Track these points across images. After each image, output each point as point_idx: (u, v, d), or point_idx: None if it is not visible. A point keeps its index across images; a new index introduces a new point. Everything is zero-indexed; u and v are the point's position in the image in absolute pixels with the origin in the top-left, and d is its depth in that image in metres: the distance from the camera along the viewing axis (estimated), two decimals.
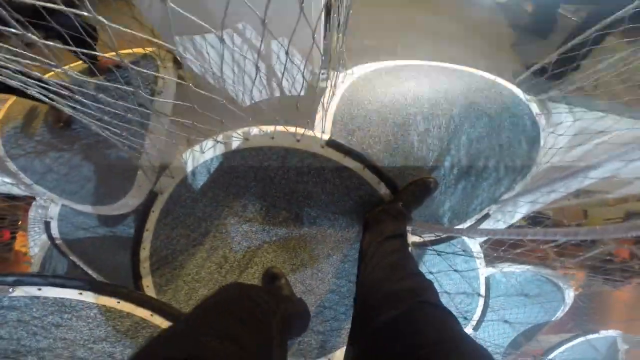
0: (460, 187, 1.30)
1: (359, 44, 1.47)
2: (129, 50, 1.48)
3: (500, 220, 1.48)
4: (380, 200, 1.19)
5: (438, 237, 1.40)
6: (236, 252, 1.30)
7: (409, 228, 1.22)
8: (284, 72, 0.92)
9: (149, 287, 1.37)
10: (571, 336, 1.92)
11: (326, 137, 1.09)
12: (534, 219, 1.79)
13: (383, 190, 1.17)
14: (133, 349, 1.04)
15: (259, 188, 1.22)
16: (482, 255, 1.58)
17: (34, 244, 1.96)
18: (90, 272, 1.77)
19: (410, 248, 1.11)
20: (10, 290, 1.01)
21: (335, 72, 1.26)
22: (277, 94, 1.49)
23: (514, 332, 1.71)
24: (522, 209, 1.45)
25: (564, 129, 1.32)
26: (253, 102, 1.44)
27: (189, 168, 1.19)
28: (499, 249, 1.62)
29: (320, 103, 1.20)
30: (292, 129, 1.09)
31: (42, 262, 1.93)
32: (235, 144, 1.14)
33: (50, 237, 1.75)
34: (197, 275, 1.34)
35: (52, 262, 1.95)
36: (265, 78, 1.40)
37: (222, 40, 0.66)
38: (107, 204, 1.51)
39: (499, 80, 1.35)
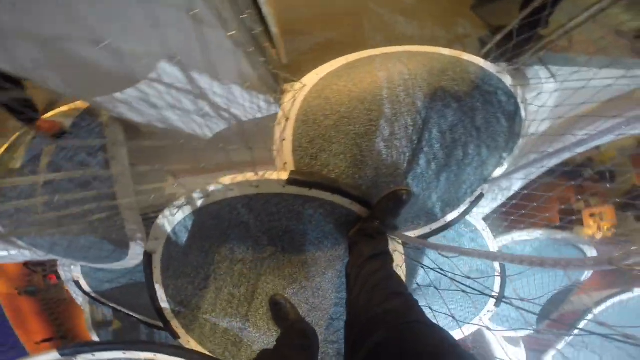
0: (444, 179, 1.21)
1: (306, 43, 1.33)
2: (72, 106, 1.46)
3: (498, 195, 1.38)
4: (359, 217, 1.15)
5: (435, 229, 1.35)
6: (239, 288, 1.36)
7: (394, 238, 1.19)
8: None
9: (178, 328, 1.50)
10: (612, 294, 1.83)
11: (284, 176, 1.05)
12: None
13: (358, 208, 1.13)
14: None
15: (237, 233, 1.23)
16: (488, 230, 1.52)
17: (76, 295, 2.18)
18: (129, 313, 1.96)
19: (395, 263, 1.09)
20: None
21: (281, 94, 1.17)
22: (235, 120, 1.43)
23: (543, 299, 1.67)
24: (518, 181, 1.34)
25: (547, 95, 1.15)
26: (213, 133, 1.40)
27: (168, 229, 1.22)
28: (508, 218, 1.54)
29: (275, 134, 1.13)
30: (249, 175, 1.06)
31: (91, 310, 2.16)
32: (199, 202, 1.13)
33: (84, 292, 1.93)
34: (213, 312, 1.43)
35: (98, 306, 2.18)
36: (212, 111, 1.34)
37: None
38: (117, 261, 1.62)
39: (464, 56, 1.17)
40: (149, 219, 1.45)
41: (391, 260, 1.02)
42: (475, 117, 1.16)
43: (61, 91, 1.03)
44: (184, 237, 1.26)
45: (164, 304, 1.47)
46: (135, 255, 1.62)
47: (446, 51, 1.21)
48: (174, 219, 1.21)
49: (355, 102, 1.13)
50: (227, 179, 1.08)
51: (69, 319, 2.90)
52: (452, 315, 1.03)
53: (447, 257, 1.49)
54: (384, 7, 1.33)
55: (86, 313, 2.23)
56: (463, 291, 0.95)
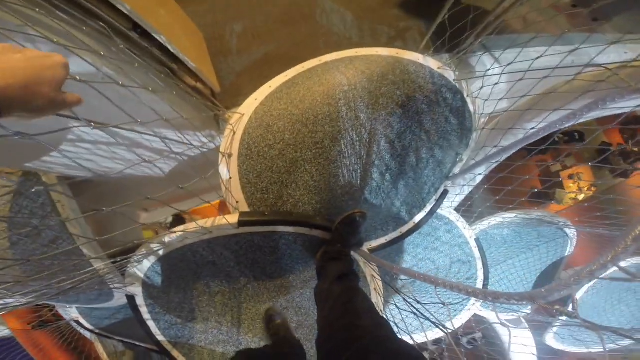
0: (402, 186, 1.19)
1: (242, 62, 1.25)
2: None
3: (465, 186, 1.36)
4: (322, 240, 1.14)
5: (405, 232, 1.35)
6: (225, 317, 1.39)
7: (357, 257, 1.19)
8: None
9: (179, 356, 1.57)
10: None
11: (234, 219, 1.02)
12: None
13: (319, 233, 1.12)
14: None
15: (208, 270, 1.23)
16: (462, 219, 1.51)
17: (83, 331, 2.25)
18: (136, 343, 2.03)
19: (370, 275, 1.10)
20: None
21: (219, 127, 1.11)
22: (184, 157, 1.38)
23: (532, 276, 1.69)
24: (481, 169, 1.31)
25: (492, 83, 1.09)
26: (168, 171, 1.36)
27: (140, 275, 1.22)
28: (492, 199, 1.51)
29: (221, 172, 1.10)
30: (201, 222, 1.04)
31: (101, 343, 2.24)
32: (160, 251, 1.12)
33: (88, 329, 1.99)
34: (206, 340, 1.47)
35: (109, 340, 2.25)
36: (153, 154, 1.29)
37: None
38: (105, 302, 1.66)
39: (403, 54, 1.09)
40: (121, 264, 1.46)
41: (357, 278, 1.02)
42: (423, 120, 1.11)
43: None
44: (158, 280, 1.27)
45: (159, 337, 1.52)
46: (120, 296, 1.65)
47: (384, 51, 1.13)
48: (142, 267, 1.21)
49: (298, 125, 1.08)
50: (179, 228, 1.07)
51: (87, 345, 3.03)
52: (443, 303, 1.04)
53: (404, 279, 1.51)
54: (317, 10, 1.22)
55: (98, 347, 2.32)
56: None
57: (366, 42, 1.16)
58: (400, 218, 1.30)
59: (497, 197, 1.45)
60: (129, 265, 1.20)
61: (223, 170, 1.10)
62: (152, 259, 1.17)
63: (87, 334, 2.23)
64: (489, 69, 1.13)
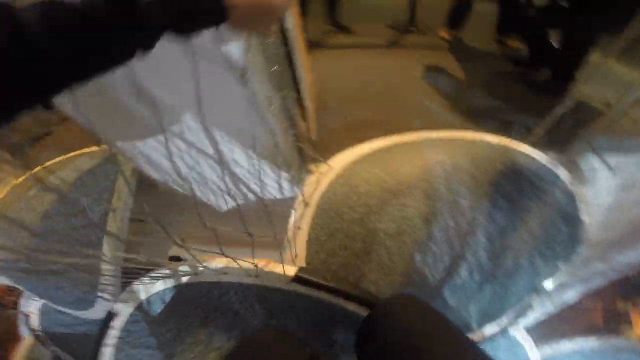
0: (488, 290, 1.01)
1: (338, 121, 1.21)
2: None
3: (548, 305, 1.16)
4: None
5: None
6: None
7: None
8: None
9: None
10: None
11: (291, 272, 0.89)
12: None
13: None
14: None
15: (222, 319, 1.04)
16: (530, 340, 1.28)
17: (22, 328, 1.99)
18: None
19: None
20: None
21: (303, 173, 1.03)
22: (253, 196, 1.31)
23: None
24: (572, 291, 1.12)
25: (605, 189, 0.98)
26: (229, 206, 1.28)
27: (142, 296, 1.06)
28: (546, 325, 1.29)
29: (290, 219, 0.99)
30: (248, 264, 0.90)
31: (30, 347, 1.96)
32: (184, 277, 0.97)
33: (31, 329, 1.76)
34: None
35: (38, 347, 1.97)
36: (230, 181, 1.22)
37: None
38: (80, 309, 1.47)
39: (512, 144, 1.02)
40: (130, 277, 1.32)
41: None
42: (530, 220, 0.98)
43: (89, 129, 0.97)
44: (157, 308, 1.09)
45: None
46: (100, 310, 1.47)
47: (491, 137, 1.06)
48: (152, 288, 1.05)
49: (387, 194, 0.97)
50: (223, 261, 0.93)
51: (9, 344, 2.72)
52: None
53: None
54: (422, 94, 1.21)
55: (21, 349, 2.04)
56: None
57: (468, 128, 1.10)
58: (467, 325, 1.10)
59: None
60: (138, 280, 1.05)
61: (293, 218, 0.99)
62: (170, 282, 1.01)
63: (25, 333, 1.97)
64: (598, 173, 1.02)
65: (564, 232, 1.01)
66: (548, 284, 1.09)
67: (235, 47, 0.78)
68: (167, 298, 1.06)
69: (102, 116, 0.90)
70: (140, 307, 1.10)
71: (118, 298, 1.08)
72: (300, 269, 0.90)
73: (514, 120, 1.18)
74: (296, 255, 0.97)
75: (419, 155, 1.01)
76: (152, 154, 1.13)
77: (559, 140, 1.04)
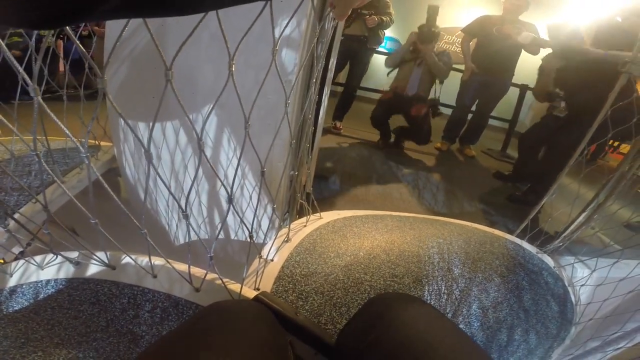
0: None
1: (331, 190, 1.29)
2: None
3: None
4: None
5: None
6: None
7: None
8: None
9: None
10: None
11: (251, 293, 0.68)
12: None
13: None
14: None
15: (108, 342, 0.66)
16: None
17: None
18: None
19: None
20: None
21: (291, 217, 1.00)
22: (222, 235, 1.19)
23: None
24: None
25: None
26: (187, 241, 1.12)
27: (10, 283, 0.70)
28: None
29: (263, 251, 0.85)
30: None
31: None
32: (94, 269, 0.70)
33: None
34: None
35: None
36: (206, 209, 1.14)
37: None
38: None
39: (499, 232, 1.07)
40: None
41: None
42: (523, 296, 0.87)
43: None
44: (19, 304, 0.69)
45: None
46: None
47: (480, 226, 1.10)
48: (35, 274, 0.71)
49: (378, 250, 0.89)
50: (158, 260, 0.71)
51: None
52: None
53: None
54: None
55: None
56: None
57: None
58: None
59: None
60: (27, 259, 0.72)
61: (266, 250, 0.86)
62: (64, 273, 0.70)
63: None
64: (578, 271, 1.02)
65: (556, 310, 0.92)
66: None
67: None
68: (46, 293, 0.71)
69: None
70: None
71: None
72: (263, 293, 0.70)
73: (499, 221, 1.24)
74: (257, 289, 0.78)
75: (410, 226, 1.00)
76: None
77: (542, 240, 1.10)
